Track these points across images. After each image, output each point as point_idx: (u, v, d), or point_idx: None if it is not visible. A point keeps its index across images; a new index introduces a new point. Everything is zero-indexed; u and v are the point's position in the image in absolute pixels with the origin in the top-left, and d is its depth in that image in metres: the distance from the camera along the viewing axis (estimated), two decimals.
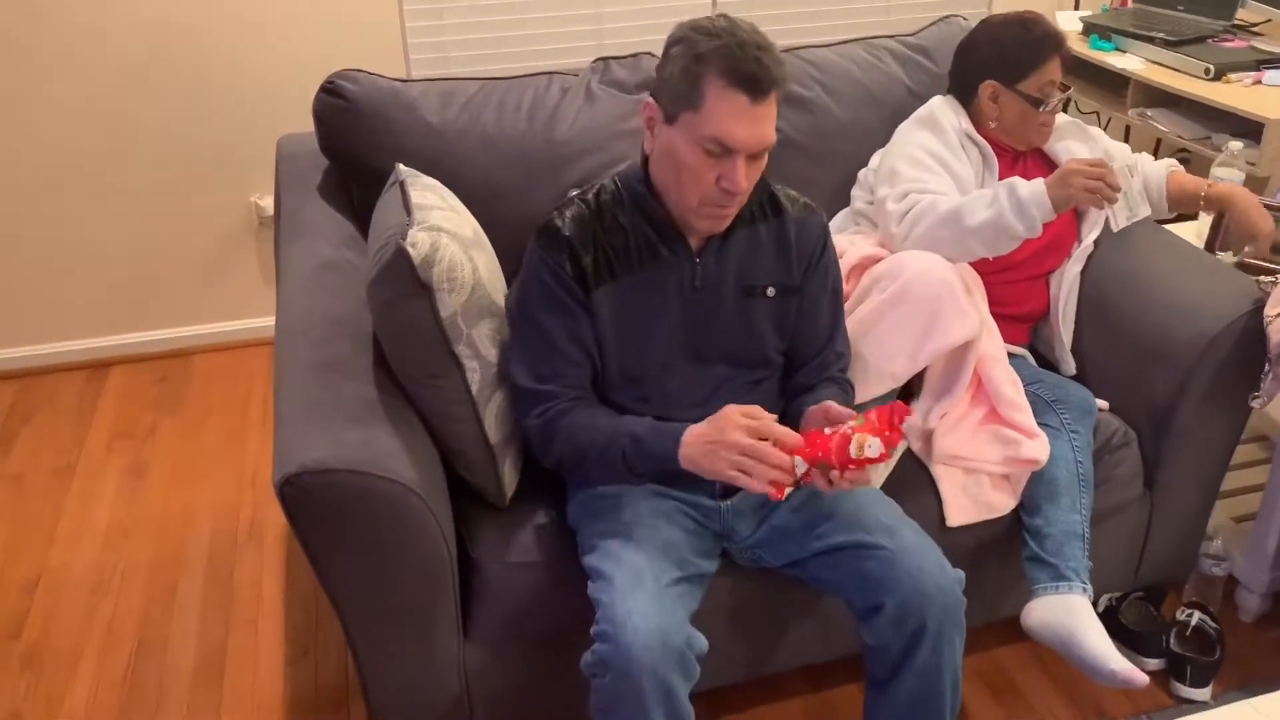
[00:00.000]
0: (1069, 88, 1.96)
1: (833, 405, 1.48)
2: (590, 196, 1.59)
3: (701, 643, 1.42)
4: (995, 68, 1.95)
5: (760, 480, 1.39)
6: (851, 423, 1.41)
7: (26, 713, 1.94)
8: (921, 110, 2.04)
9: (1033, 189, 1.78)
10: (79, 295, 2.99)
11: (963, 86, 2.01)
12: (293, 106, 2.90)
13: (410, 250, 1.44)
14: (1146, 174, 2.11)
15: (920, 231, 1.83)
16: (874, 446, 1.38)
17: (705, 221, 1.53)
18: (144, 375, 3.01)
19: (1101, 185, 1.75)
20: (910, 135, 1.99)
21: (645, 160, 1.57)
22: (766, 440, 1.40)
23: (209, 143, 2.92)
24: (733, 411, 1.43)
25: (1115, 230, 2.05)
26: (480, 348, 1.55)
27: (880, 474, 1.79)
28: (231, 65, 2.86)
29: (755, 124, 1.43)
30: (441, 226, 1.51)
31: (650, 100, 1.50)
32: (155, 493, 2.53)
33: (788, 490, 1.42)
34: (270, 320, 3.05)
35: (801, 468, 1.40)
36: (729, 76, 1.40)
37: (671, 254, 1.57)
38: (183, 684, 2.00)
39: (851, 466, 1.39)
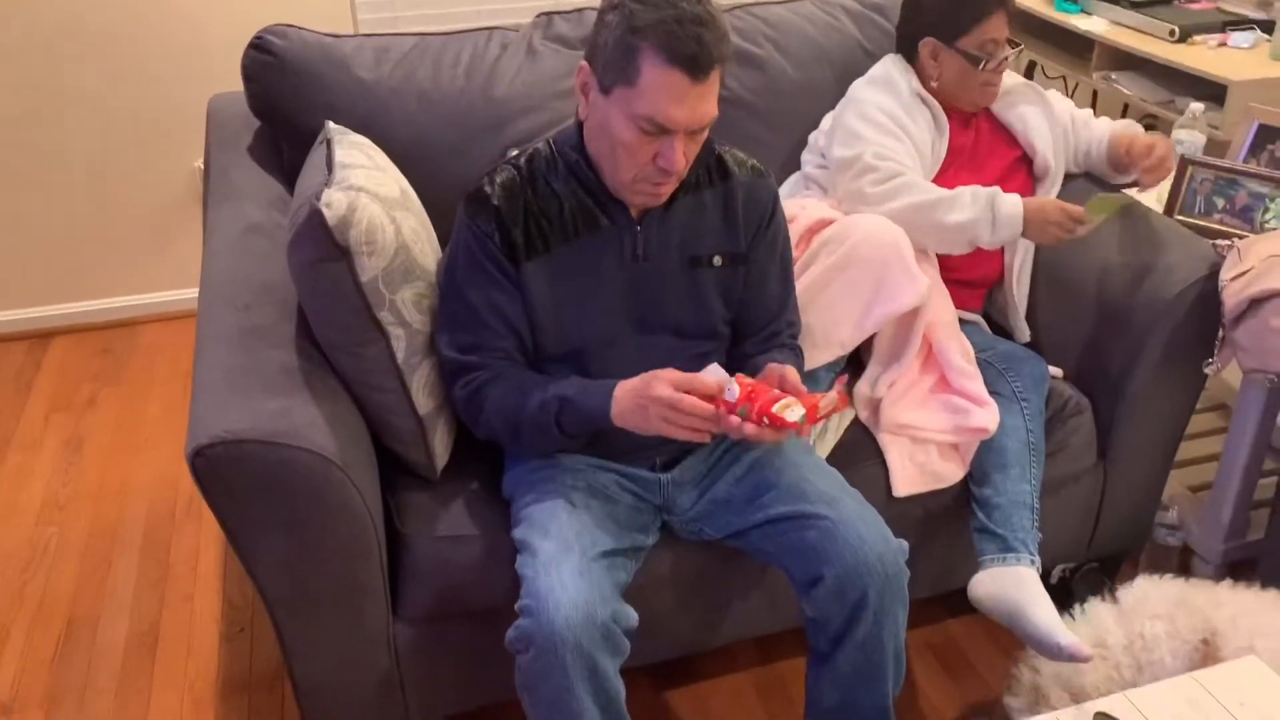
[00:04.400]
0: (1018, 45, 1.90)
1: (791, 372, 1.42)
2: (523, 162, 1.51)
3: (631, 617, 1.37)
4: (935, 25, 1.90)
5: (683, 431, 1.36)
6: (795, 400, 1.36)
7: None
8: (875, 69, 1.98)
9: (1011, 211, 1.76)
10: (17, 264, 2.90)
11: (907, 44, 1.95)
12: (236, 66, 2.79)
13: (325, 211, 1.37)
14: (1090, 138, 2.06)
15: (895, 206, 1.79)
16: (794, 412, 1.33)
17: (640, 197, 1.46)
18: (86, 346, 2.93)
19: (1067, 236, 1.77)
20: (866, 95, 1.93)
21: (580, 124, 1.49)
22: (691, 393, 1.35)
23: (148, 106, 2.82)
24: (665, 369, 1.38)
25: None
26: (405, 314, 1.49)
27: (826, 444, 1.75)
28: (169, 25, 2.75)
29: (695, 103, 1.35)
30: (362, 186, 1.44)
31: (585, 64, 1.42)
32: (92, 466, 2.45)
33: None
34: None
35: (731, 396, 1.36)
36: (666, 53, 1.32)
37: (611, 223, 1.50)
38: (114, 663, 1.94)
39: (766, 419, 1.34)
